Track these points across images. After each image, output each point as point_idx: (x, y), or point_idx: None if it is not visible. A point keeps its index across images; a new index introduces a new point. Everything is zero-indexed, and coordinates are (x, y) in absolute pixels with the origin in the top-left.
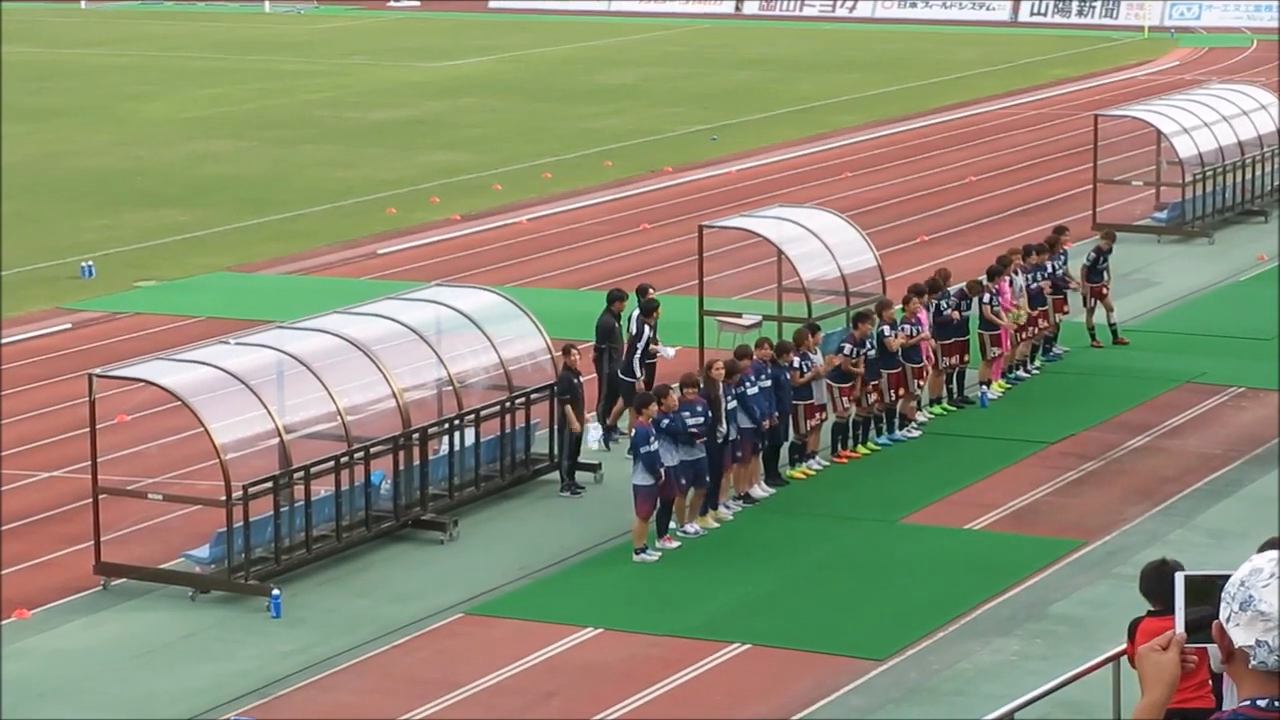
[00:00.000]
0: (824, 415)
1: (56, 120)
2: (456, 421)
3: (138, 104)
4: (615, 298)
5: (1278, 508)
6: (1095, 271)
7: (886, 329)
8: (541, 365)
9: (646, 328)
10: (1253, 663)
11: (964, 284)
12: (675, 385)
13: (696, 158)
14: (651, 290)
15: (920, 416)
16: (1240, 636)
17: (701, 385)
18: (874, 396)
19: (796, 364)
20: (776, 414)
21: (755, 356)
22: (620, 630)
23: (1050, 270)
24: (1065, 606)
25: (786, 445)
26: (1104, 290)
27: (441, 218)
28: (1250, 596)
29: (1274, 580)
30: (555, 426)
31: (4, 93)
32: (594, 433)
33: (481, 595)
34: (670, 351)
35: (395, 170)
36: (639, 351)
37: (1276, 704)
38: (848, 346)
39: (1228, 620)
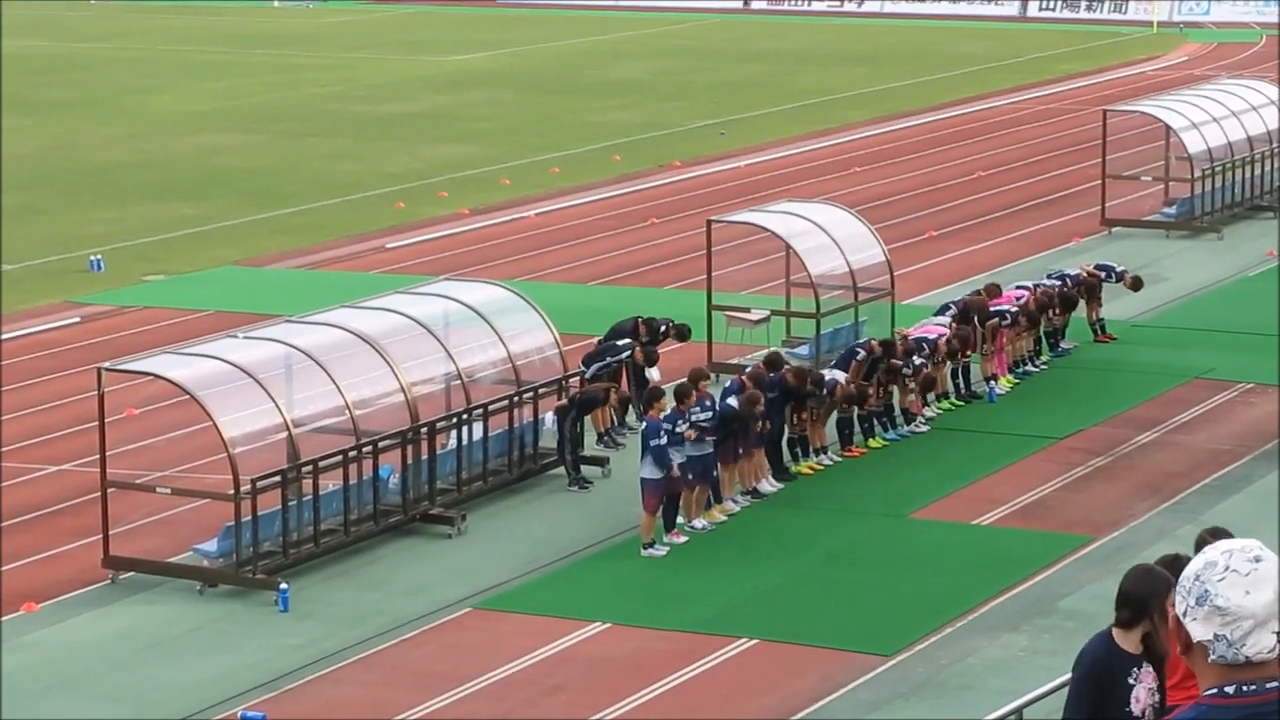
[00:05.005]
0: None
1: (64, 113)
2: (464, 416)
3: (145, 97)
4: (647, 331)
5: None
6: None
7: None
8: (549, 360)
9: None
10: (1212, 657)
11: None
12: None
13: (705, 152)
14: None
15: (928, 411)
16: (1198, 631)
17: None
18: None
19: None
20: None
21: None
22: (628, 625)
23: (1061, 273)
24: (1074, 602)
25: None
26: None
27: (449, 212)
28: (1206, 591)
29: (1229, 574)
30: (567, 435)
31: (14, 86)
32: (549, 419)
33: (489, 589)
34: (655, 374)
35: (403, 164)
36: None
37: (1245, 688)
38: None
39: (1184, 614)
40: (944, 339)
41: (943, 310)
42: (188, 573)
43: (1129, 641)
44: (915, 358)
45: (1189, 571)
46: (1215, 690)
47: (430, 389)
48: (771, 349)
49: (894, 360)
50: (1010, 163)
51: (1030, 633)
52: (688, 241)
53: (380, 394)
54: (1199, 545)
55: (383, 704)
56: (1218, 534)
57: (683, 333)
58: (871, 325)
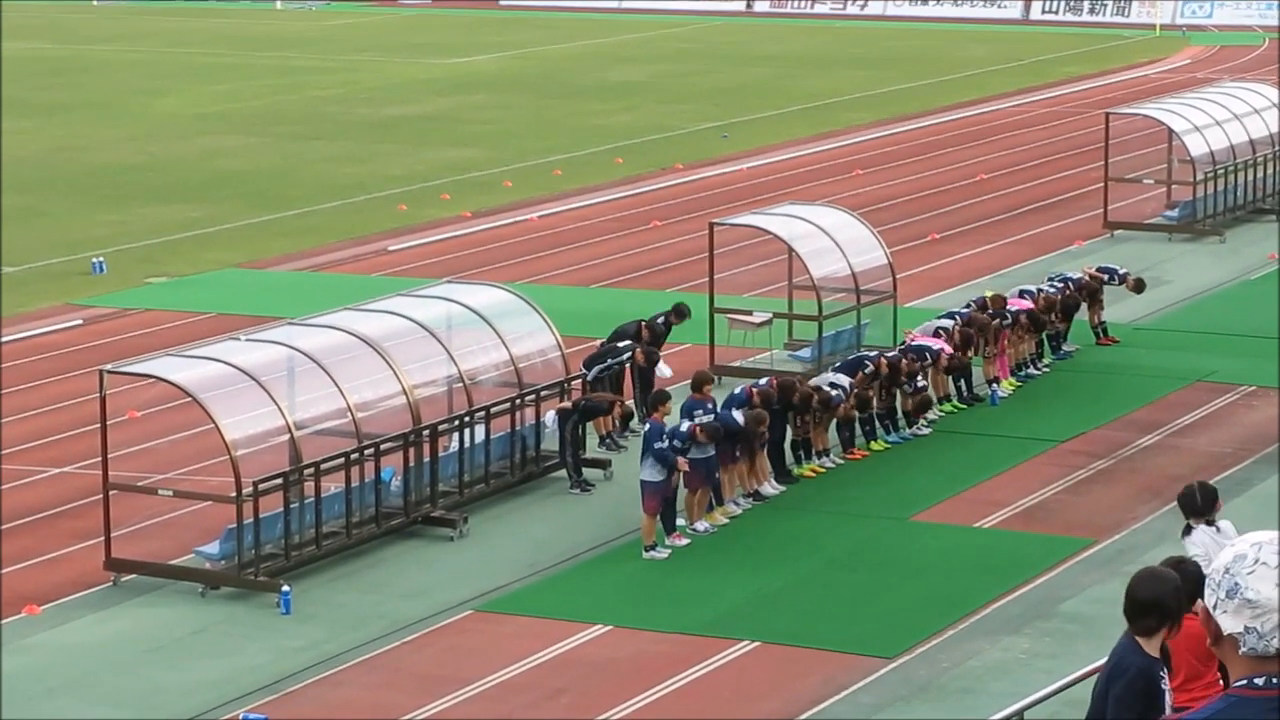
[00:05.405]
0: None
1: (68, 115)
2: (467, 418)
3: (149, 99)
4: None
5: None
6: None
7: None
8: (551, 362)
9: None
10: (1243, 649)
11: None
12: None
13: (707, 155)
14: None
15: (930, 414)
16: (1228, 623)
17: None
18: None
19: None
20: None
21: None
22: (629, 627)
23: (1063, 276)
24: (1075, 605)
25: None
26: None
27: (452, 214)
28: (1236, 584)
29: (1259, 566)
30: (568, 437)
31: (17, 89)
32: (549, 419)
33: (491, 592)
34: (667, 371)
35: (406, 167)
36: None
37: (1275, 680)
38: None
39: (1214, 607)
40: (945, 353)
41: (950, 316)
42: (190, 575)
43: (1153, 647)
44: (919, 379)
45: (1218, 564)
46: (1245, 682)
47: (432, 391)
48: (784, 367)
49: (900, 378)
50: (1013, 166)
51: (1032, 635)
52: (690, 244)
53: (382, 396)
54: (1180, 497)
55: (384, 706)
56: (1203, 492)
57: (681, 312)
58: (874, 328)
